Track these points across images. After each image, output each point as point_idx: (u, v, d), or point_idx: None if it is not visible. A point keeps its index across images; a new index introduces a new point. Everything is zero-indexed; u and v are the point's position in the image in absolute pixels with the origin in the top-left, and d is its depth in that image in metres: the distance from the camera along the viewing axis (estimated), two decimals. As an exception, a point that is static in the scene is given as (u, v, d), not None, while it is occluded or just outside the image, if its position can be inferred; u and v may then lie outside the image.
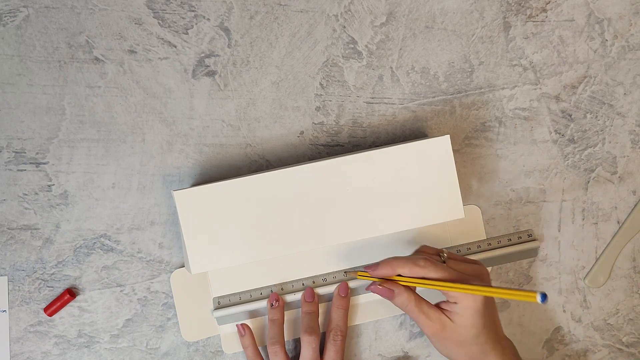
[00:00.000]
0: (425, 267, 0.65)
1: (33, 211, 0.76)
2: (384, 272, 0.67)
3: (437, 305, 0.67)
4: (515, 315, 0.79)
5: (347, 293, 0.75)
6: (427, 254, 0.68)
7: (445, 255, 0.68)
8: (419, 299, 0.66)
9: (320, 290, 0.75)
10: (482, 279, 0.67)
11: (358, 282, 0.75)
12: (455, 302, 0.65)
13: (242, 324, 0.75)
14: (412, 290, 0.67)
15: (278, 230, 0.70)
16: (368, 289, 0.68)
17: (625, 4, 0.79)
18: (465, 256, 0.76)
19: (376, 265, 0.67)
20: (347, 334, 0.76)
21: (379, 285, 0.67)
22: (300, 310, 0.76)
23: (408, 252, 0.75)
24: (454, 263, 0.67)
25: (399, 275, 0.67)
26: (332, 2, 0.77)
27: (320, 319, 0.76)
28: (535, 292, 0.57)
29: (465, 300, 0.64)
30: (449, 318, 0.66)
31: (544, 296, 0.56)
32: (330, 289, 0.75)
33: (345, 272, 0.75)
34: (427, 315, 0.66)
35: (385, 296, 0.67)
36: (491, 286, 0.62)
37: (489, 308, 0.66)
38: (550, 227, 0.79)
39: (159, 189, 0.76)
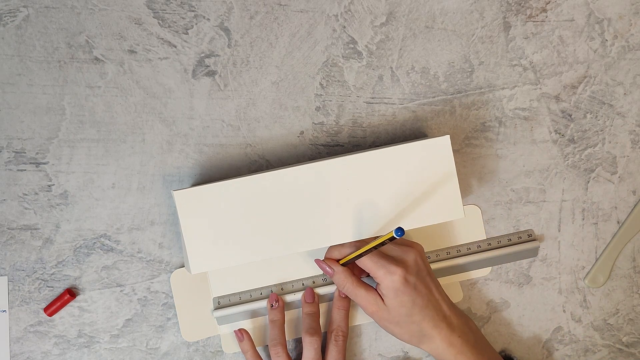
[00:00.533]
0: (348, 246, 0.71)
1: (33, 211, 0.76)
2: (328, 256, 0.73)
3: (375, 289, 0.71)
4: (515, 315, 0.79)
5: (347, 293, 0.75)
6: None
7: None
8: (357, 281, 0.71)
9: (321, 291, 0.75)
10: (402, 260, 0.69)
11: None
12: (379, 284, 0.69)
13: (240, 329, 0.75)
14: (350, 272, 0.71)
15: (278, 230, 0.70)
16: (315, 262, 0.73)
17: (625, 4, 0.79)
18: (465, 256, 0.77)
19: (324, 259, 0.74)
20: (348, 334, 0.76)
21: (322, 261, 0.72)
22: (301, 310, 0.76)
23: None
24: (387, 245, 0.71)
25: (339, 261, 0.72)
26: (332, 2, 0.77)
27: (322, 320, 0.76)
28: (391, 231, 0.62)
29: (385, 281, 0.68)
30: (382, 299, 0.69)
31: (399, 229, 0.60)
32: (331, 289, 0.75)
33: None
34: (363, 297, 0.70)
35: (325, 273, 0.72)
36: (372, 243, 0.66)
37: (415, 286, 0.68)
38: (550, 227, 0.79)
39: (159, 189, 0.76)
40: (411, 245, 0.71)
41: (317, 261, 0.73)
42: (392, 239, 0.63)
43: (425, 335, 0.70)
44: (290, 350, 0.77)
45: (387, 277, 0.68)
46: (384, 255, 0.69)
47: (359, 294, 0.70)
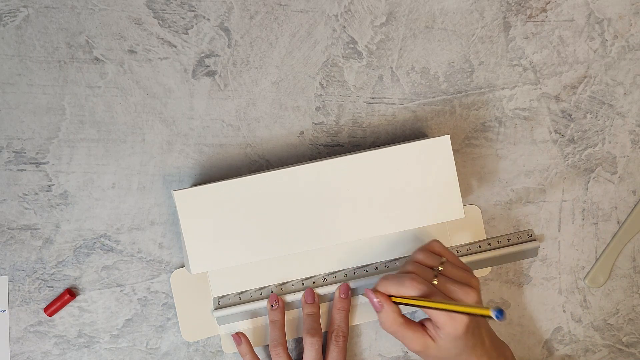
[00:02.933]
0: (410, 287, 0.65)
1: (33, 211, 0.76)
2: (382, 289, 0.67)
3: (422, 323, 0.67)
4: (515, 315, 0.79)
5: (348, 294, 0.75)
6: (420, 265, 0.68)
7: (440, 268, 0.67)
8: (405, 321, 0.66)
9: (321, 291, 0.75)
10: (468, 294, 0.65)
11: (358, 283, 0.75)
12: (438, 328, 0.64)
13: (237, 333, 0.74)
14: (399, 310, 0.66)
15: (278, 230, 0.70)
16: (365, 294, 0.68)
17: (625, 4, 0.79)
18: (465, 256, 0.77)
19: (374, 289, 0.68)
20: (348, 335, 0.76)
21: (373, 293, 0.67)
22: (301, 310, 0.76)
23: (408, 251, 0.75)
24: (444, 280, 0.66)
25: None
26: (332, 2, 0.77)
27: (323, 320, 0.76)
28: (488, 308, 0.56)
29: (446, 327, 0.63)
30: (431, 338, 0.65)
31: (500, 312, 0.55)
32: (331, 289, 0.75)
33: (345, 273, 0.75)
34: (410, 338, 0.66)
35: (373, 305, 0.67)
36: (455, 304, 0.61)
37: (473, 332, 0.65)
38: (550, 227, 0.79)
39: (159, 189, 0.76)
40: (469, 282, 0.66)
41: (366, 291, 0.67)
42: (486, 316, 0.57)
43: None
44: (291, 350, 0.77)
45: (449, 323, 0.63)
46: (444, 297, 0.64)
47: (406, 335, 0.66)
